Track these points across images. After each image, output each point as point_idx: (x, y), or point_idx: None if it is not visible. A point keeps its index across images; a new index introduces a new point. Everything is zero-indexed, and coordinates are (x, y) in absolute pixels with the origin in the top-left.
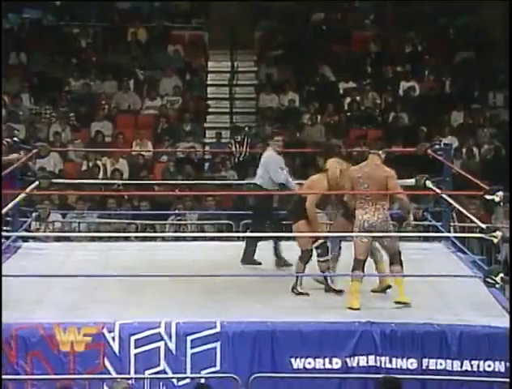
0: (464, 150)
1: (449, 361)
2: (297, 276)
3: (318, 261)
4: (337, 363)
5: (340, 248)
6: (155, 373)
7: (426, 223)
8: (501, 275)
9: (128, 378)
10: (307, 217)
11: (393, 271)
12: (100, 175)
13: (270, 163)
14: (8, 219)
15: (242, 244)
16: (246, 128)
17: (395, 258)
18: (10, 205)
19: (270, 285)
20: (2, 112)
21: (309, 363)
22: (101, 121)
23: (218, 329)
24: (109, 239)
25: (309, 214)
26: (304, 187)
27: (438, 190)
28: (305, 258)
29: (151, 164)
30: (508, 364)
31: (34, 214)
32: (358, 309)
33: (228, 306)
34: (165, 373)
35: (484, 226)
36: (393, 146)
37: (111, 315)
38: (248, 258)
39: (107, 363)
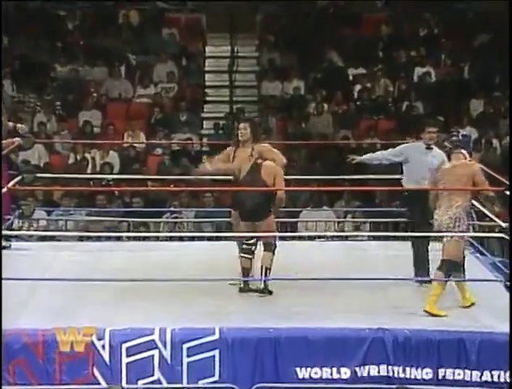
0: (484, 142)
1: (467, 372)
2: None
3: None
4: (346, 373)
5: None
6: (149, 383)
7: None
8: None
9: None
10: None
11: (435, 275)
12: (89, 169)
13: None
14: None
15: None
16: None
17: (450, 266)
18: None
19: (273, 289)
20: None
21: (316, 373)
22: (90, 111)
23: (216, 336)
24: (99, 239)
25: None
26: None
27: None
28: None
29: (143, 157)
30: None
31: (17, 211)
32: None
33: (228, 311)
34: (160, 383)
35: (504, 225)
36: (406, 138)
37: (101, 321)
38: (421, 261)
39: (96, 373)
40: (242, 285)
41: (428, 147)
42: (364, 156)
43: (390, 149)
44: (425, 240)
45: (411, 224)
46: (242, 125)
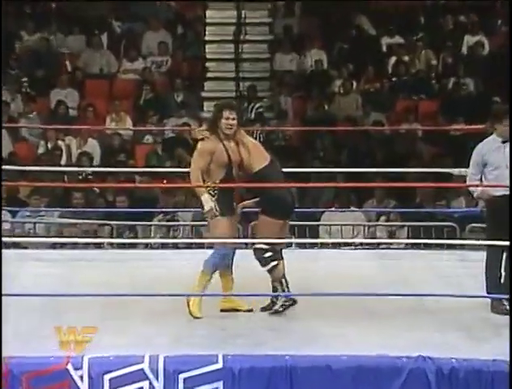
0: None
1: None
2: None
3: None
4: None
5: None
6: None
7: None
8: None
9: None
10: None
11: None
12: (63, 160)
13: None
14: None
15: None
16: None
17: None
18: None
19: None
20: None
21: None
22: (64, 89)
23: (220, 364)
24: (76, 245)
25: None
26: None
27: None
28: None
29: (130, 147)
30: None
31: None
32: None
33: (234, 334)
34: None
35: None
36: (453, 123)
37: None
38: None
39: None
40: (280, 304)
41: (505, 141)
42: None
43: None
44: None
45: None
46: (230, 113)
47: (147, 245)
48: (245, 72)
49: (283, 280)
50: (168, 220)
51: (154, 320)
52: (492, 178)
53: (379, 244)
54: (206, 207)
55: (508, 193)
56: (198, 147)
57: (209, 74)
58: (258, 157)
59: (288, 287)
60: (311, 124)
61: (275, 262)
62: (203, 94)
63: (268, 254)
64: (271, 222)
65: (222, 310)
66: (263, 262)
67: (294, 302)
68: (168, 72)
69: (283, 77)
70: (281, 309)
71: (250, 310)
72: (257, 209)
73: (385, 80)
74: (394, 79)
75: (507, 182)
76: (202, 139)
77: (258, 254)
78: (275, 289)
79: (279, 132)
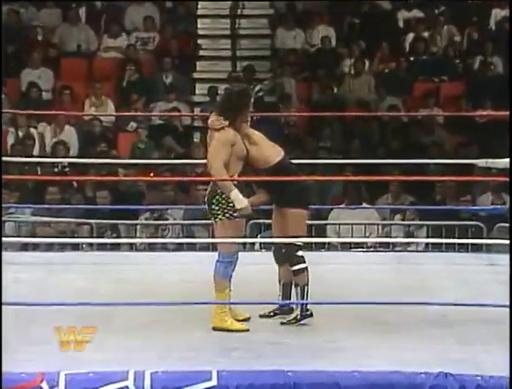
0: None
1: None
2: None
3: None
4: None
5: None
6: None
7: None
8: None
9: None
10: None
11: None
12: (36, 150)
13: None
14: None
15: (251, 254)
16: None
17: None
18: None
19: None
20: None
21: None
22: (37, 69)
23: (214, 382)
24: (50, 247)
25: None
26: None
27: None
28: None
29: (112, 135)
30: None
31: None
32: None
33: (229, 347)
34: None
35: None
36: (479, 108)
37: (54, 362)
38: None
39: None
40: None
41: None
42: None
43: None
44: None
45: None
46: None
47: (131, 247)
48: (243, 50)
49: (307, 288)
50: (155, 219)
51: (139, 332)
52: None
53: (395, 245)
54: (241, 205)
55: None
56: (221, 137)
57: (202, 53)
58: (272, 150)
59: (305, 298)
60: (317, 109)
61: (305, 265)
62: (195, 75)
63: (301, 253)
64: (301, 214)
65: (214, 329)
66: (295, 260)
67: (311, 314)
68: (156, 50)
69: (286, 56)
70: (299, 318)
71: (247, 319)
72: (269, 206)
73: (401, 59)
74: (411, 58)
75: None
76: (222, 129)
77: (291, 251)
78: (285, 294)
79: (282, 119)
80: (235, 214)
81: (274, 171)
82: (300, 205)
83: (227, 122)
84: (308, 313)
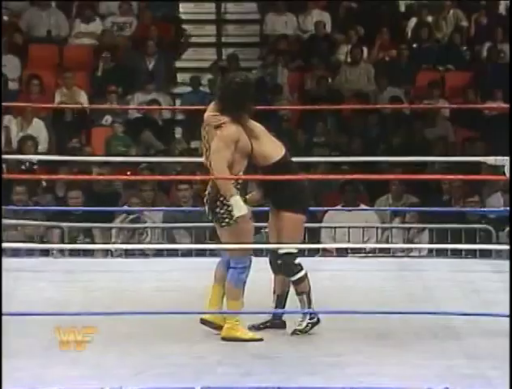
0: None
1: None
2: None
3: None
4: None
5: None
6: None
7: None
8: None
9: None
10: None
11: None
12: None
13: None
14: None
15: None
16: None
17: None
18: None
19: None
20: None
21: None
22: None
23: None
24: (17, 252)
25: None
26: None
27: None
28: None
29: (86, 129)
30: None
31: None
32: None
33: (213, 362)
34: None
35: None
36: (488, 100)
37: (22, 379)
38: None
39: None
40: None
41: None
42: None
43: None
44: None
45: None
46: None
47: (106, 253)
48: (229, 37)
49: (311, 295)
50: (132, 221)
51: (115, 346)
52: None
53: (396, 250)
54: (239, 213)
55: None
56: (223, 136)
57: (184, 40)
58: (273, 146)
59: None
60: (311, 101)
61: (304, 271)
62: (177, 64)
63: (299, 261)
64: (298, 219)
65: (224, 339)
66: (293, 270)
67: (319, 321)
68: (133, 37)
69: (277, 43)
70: (308, 328)
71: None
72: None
73: (403, 47)
74: (414, 45)
75: None
76: (220, 126)
77: (288, 259)
78: (279, 306)
79: (272, 112)
80: (231, 221)
81: (273, 170)
82: (299, 209)
83: (225, 118)
84: (315, 320)
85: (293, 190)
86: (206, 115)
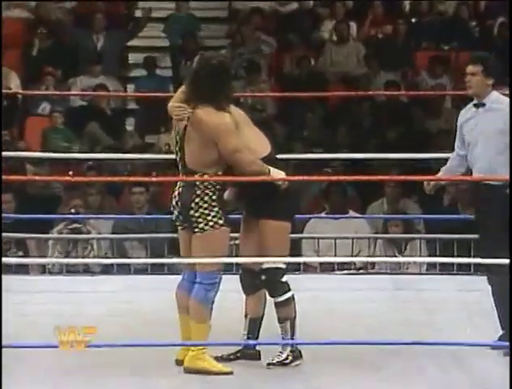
0: None
1: None
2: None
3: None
4: None
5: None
6: None
7: None
8: None
9: None
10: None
11: None
12: None
13: None
14: None
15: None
16: None
17: None
18: None
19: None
20: None
21: None
22: None
23: None
24: None
25: None
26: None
27: None
28: None
29: (18, 120)
30: None
31: None
32: None
33: None
34: None
35: None
36: (500, 84)
37: None
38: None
39: None
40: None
41: None
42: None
43: None
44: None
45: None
46: None
47: (43, 269)
48: (193, 11)
49: (294, 322)
50: (74, 231)
51: (51, 382)
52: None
53: (391, 265)
54: (280, 174)
55: None
56: (225, 121)
57: (137, 15)
58: (258, 141)
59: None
60: (292, 86)
61: (291, 293)
62: (129, 43)
63: (286, 279)
64: (285, 227)
65: (187, 370)
66: (279, 289)
67: (300, 355)
68: (75, 9)
69: (250, 18)
70: (288, 360)
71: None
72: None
73: (400, 22)
74: (413, 19)
75: None
76: (182, 120)
77: (273, 276)
78: (251, 332)
79: (246, 99)
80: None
81: None
82: (286, 216)
83: (190, 111)
84: (297, 352)
85: (280, 195)
86: (170, 105)
